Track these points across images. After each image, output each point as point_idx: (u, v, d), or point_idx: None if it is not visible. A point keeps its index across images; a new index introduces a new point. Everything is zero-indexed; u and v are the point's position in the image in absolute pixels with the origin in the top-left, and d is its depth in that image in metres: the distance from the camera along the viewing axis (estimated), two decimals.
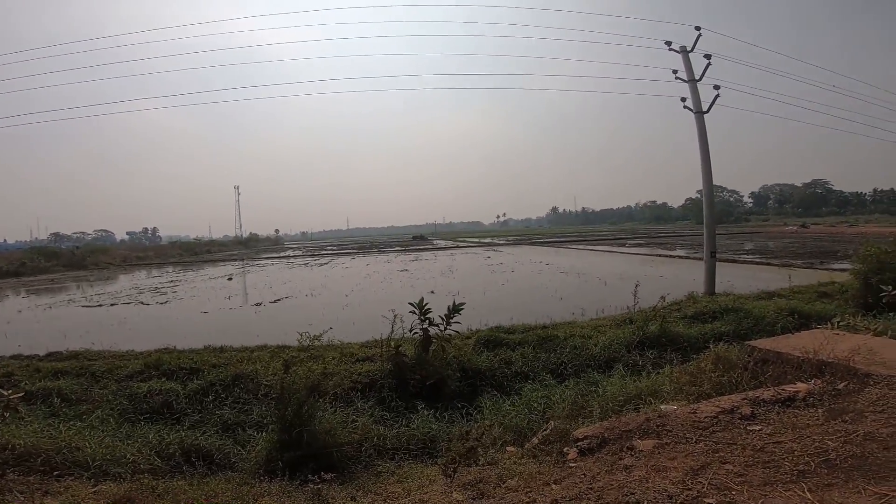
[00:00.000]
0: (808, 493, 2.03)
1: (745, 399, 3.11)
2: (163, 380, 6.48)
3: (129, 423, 5.29)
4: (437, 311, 6.54)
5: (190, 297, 19.62)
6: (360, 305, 14.82)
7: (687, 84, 14.39)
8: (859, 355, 3.59)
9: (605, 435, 2.84)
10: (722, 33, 17.78)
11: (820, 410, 2.89)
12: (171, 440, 4.51)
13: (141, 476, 3.57)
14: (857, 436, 2.47)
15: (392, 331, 6.79)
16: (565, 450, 2.86)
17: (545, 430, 3.36)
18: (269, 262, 44.16)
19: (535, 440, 3.25)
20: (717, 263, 14.06)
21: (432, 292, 15.24)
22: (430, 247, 57.64)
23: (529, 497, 2.31)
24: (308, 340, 5.10)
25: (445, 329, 6.51)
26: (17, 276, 35.34)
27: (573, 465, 2.62)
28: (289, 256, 51.38)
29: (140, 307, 17.05)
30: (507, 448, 3.37)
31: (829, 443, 2.44)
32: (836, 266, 18.61)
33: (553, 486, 2.38)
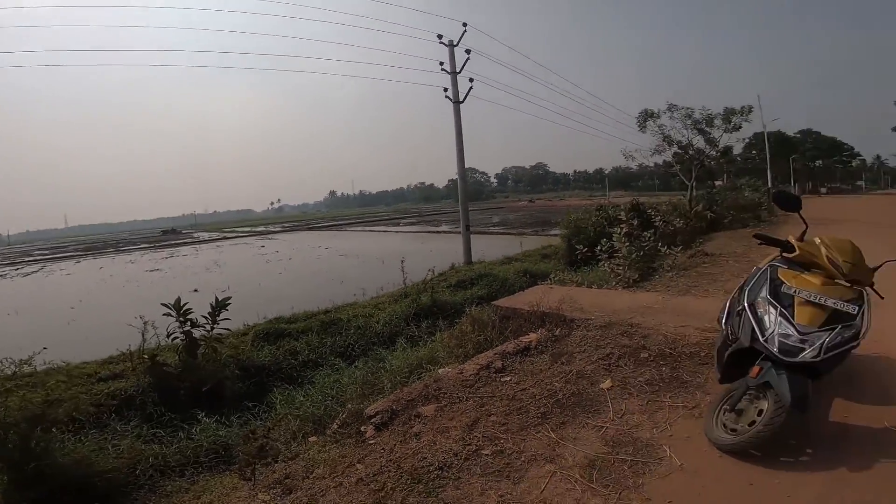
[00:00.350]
0: (551, 432, 2.67)
1: (496, 354, 3.85)
2: None
3: None
4: (204, 309, 5.94)
5: None
6: (95, 317, 12.14)
7: (449, 76, 16.04)
8: (565, 304, 4.81)
9: (394, 407, 3.14)
10: (485, 32, 20.39)
11: (546, 355, 3.76)
12: None
13: None
14: (573, 375, 3.33)
15: (144, 340, 5.99)
16: (363, 429, 3.05)
17: (342, 413, 3.49)
18: None
19: (334, 426, 3.35)
20: (472, 236, 16.44)
21: (196, 290, 13.47)
22: (190, 240, 49.99)
23: (336, 482, 2.42)
24: (14, 367, 4.37)
25: (212, 329, 5.96)
26: None
27: (372, 442, 2.84)
28: None
29: None
30: (310, 438, 3.39)
31: (556, 384, 3.23)
32: (552, 232, 23.85)
33: (357, 465, 2.54)
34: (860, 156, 67.28)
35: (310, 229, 50.44)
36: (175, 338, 5.80)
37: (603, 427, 2.67)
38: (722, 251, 9.01)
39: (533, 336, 4.15)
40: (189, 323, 5.76)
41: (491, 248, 18.17)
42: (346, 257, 21.56)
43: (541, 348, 3.91)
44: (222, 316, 6.02)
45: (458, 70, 16.06)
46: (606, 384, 3.17)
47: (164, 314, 5.72)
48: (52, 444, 3.72)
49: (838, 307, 2.29)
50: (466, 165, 17.28)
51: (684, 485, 2.14)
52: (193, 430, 4.60)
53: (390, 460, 2.52)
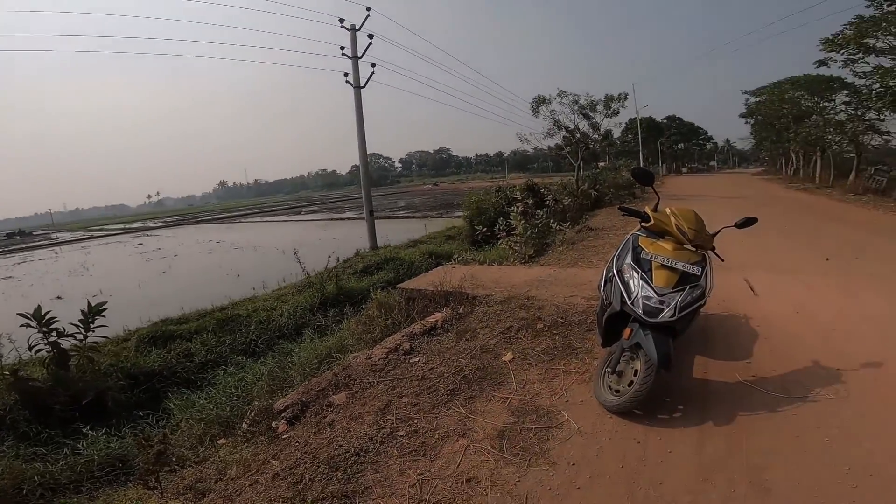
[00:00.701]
0: (461, 407, 2.78)
1: (403, 336, 3.94)
2: None
3: None
4: (72, 318, 5.37)
5: None
6: None
7: (351, 60, 15.49)
8: (467, 282, 5.04)
9: (304, 399, 3.10)
10: (390, 18, 19.76)
11: (452, 334, 3.88)
12: None
13: None
14: (477, 350, 3.48)
15: (0, 357, 5.30)
16: (274, 424, 2.98)
17: (250, 411, 3.36)
18: None
19: (244, 425, 3.22)
20: (377, 221, 16.31)
21: (59, 298, 11.89)
22: (46, 242, 43.02)
23: (252, 479, 2.36)
24: None
25: (86, 337, 5.36)
26: None
27: (285, 436, 2.78)
28: None
29: None
30: (219, 441, 3.22)
31: (463, 360, 3.36)
32: (456, 214, 24.46)
33: (272, 461, 2.49)
34: (713, 139, 77.69)
35: (198, 223, 46.21)
36: (39, 350, 5.26)
37: (508, 398, 2.82)
38: (604, 226, 9.97)
39: (438, 315, 4.29)
40: (55, 333, 5.23)
41: (396, 232, 18.19)
42: (242, 250, 20.21)
43: (446, 327, 4.04)
44: (98, 322, 5.45)
45: (359, 55, 15.63)
46: (508, 357, 3.33)
47: (21, 325, 5.10)
48: None
49: (686, 269, 2.60)
50: (370, 151, 17.11)
51: (583, 446, 2.33)
52: (80, 445, 4.14)
53: (306, 452, 2.50)
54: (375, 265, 10.67)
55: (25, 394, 4.94)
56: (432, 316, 4.35)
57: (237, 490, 2.30)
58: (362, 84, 15.80)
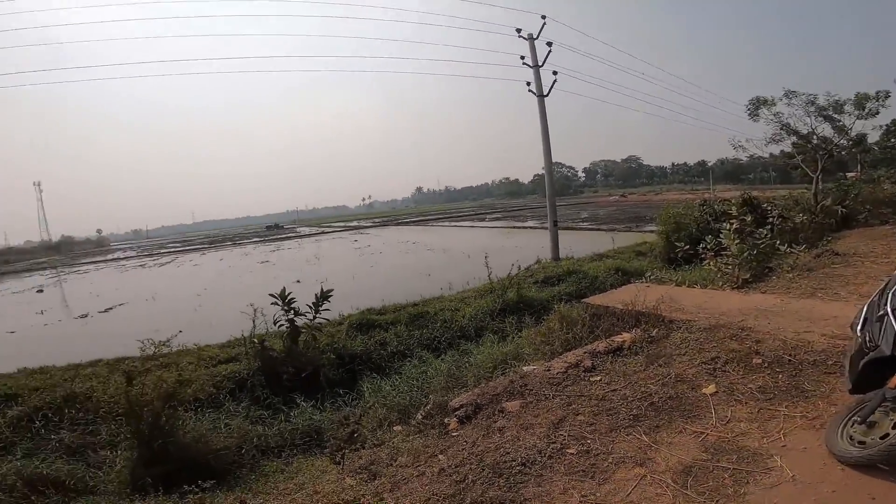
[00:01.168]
0: (643, 435, 2.52)
1: (585, 352, 3.68)
2: None
3: None
4: (306, 299, 6.34)
5: None
6: (217, 304, 13.58)
7: (531, 70, 15.72)
8: (664, 304, 4.48)
9: (479, 401, 3.13)
10: (565, 23, 19.75)
11: (641, 357, 3.53)
12: (6, 471, 3.82)
13: None
14: (671, 378, 3.10)
15: (254, 326, 6.48)
16: (446, 420, 3.08)
17: (426, 404, 3.55)
18: (92, 266, 37.37)
19: (418, 416, 3.43)
20: (559, 231, 15.93)
21: (298, 282, 14.59)
22: (293, 235, 54.58)
23: (419, 470, 2.47)
24: (154, 348, 4.62)
25: (315, 318, 6.35)
26: None
27: (455, 434, 2.85)
28: (118, 259, 44.07)
29: None
30: (395, 427, 3.49)
31: (652, 387, 3.03)
32: (647, 228, 22.36)
33: (440, 456, 2.57)
34: None
35: (398, 224, 52.42)
36: (280, 325, 6.21)
37: (703, 433, 2.51)
38: (856, 251, 7.80)
39: (626, 336, 3.91)
40: (293, 311, 6.14)
41: (579, 244, 17.48)
42: (433, 252, 22.04)
43: (635, 349, 3.69)
44: (324, 306, 6.35)
45: (540, 63, 15.62)
46: (709, 389, 2.95)
47: (272, 303, 6.17)
48: (177, 423, 3.99)
49: None
50: (553, 160, 16.82)
51: (795, 496, 1.96)
52: (292, 414, 4.92)
53: (472, 453, 2.51)
54: (557, 276, 10.37)
55: (266, 361, 5.91)
56: (619, 335, 3.98)
57: (404, 478, 2.42)
58: (545, 93, 15.67)
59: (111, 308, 14.95)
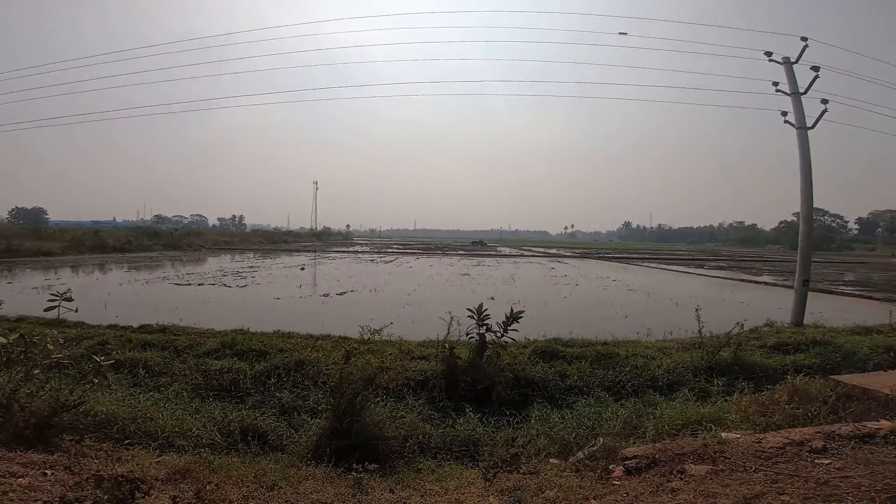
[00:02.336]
0: None
1: (818, 432, 2.87)
2: (234, 359, 6.86)
3: (199, 398, 5.61)
4: (496, 317, 6.54)
5: (266, 282, 20.95)
6: (421, 305, 15.05)
7: (789, 97, 13.26)
8: None
9: (657, 456, 2.71)
10: (827, 42, 16.22)
11: None
12: (233, 418, 4.77)
13: (201, 450, 3.81)
14: None
15: (448, 332, 6.83)
16: (611, 467, 2.77)
17: (593, 445, 3.26)
18: (338, 255, 46.20)
19: (580, 454, 3.17)
20: (809, 293, 12.79)
21: (492, 298, 15.16)
22: (494, 253, 57.41)
23: None
24: (369, 334, 5.21)
25: (502, 336, 6.49)
26: (122, 251, 39.55)
27: (617, 482, 2.53)
28: (357, 251, 53.44)
29: (223, 289, 18.45)
30: (551, 460, 3.31)
31: None
32: None
33: (592, 501, 2.32)
34: None
35: (600, 258, 49.96)
36: (471, 337, 6.60)
37: None
38: None
39: (886, 424, 2.93)
40: (485, 327, 6.47)
41: (834, 311, 13.76)
42: (635, 293, 20.25)
43: (893, 440, 2.72)
44: (512, 327, 6.50)
45: (801, 90, 12.93)
46: None
47: (468, 315, 6.59)
48: (367, 405, 4.40)
49: None
50: (814, 205, 13.65)
51: None
52: (458, 421, 5.10)
53: None
54: (794, 344, 8.37)
55: (450, 367, 6.28)
56: (875, 422, 2.99)
57: None
58: (808, 125, 12.84)
59: (344, 293, 18.03)
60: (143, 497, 2.30)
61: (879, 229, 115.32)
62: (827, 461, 2.57)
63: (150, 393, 5.40)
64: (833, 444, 2.78)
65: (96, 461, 3.15)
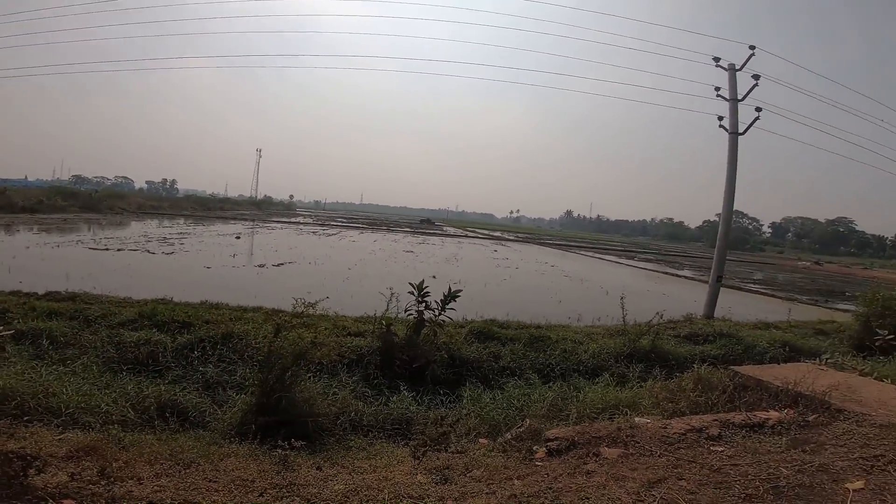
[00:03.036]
0: None
1: (716, 420, 3.16)
2: (153, 331, 6.41)
3: (111, 372, 5.21)
4: (436, 295, 6.55)
5: (196, 250, 19.82)
6: (361, 280, 14.90)
7: (727, 103, 14.14)
8: (837, 391, 3.64)
9: (576, 438, 2.88)
10: (771, 52, 17.40)
11: (784, 439, 2.98)
12: (149, 393, 4.47)
13: (110, 427, 3.54)
14: (812, 466, 2.56)
15: (387, 308, 6.78)
16: (535, 448, 2.91)
17: (520, 426, 3.40)
18: (279, 225, 44.50)
19: (508, 435, 3.30)
20: (722, 289, 13.98)
21: (434, 277, 15.22)
22: (439, 232, 57.78)
23: (490, 489, 2.36)
24: (302, 307, 5.00)
25: (440, 314, 6.54)
26: (32, 212, 35.52)
27: (539, 463, 2.67)
28: (299, 223, 51.76)
29: (146, 255, 17.23)
30: (480, 440, 3.42)
31: (784, 470, 2.53)
32: (840, 306, 18.44)
33: (515, 481, 2.43)
34: None
35: (541, 244, 51.65)
36: (410, 314, 6.57)
37: None
38: None
39: (774, 414, 3.29)
40: (424, 304, 6.46)
41: (742, 306, 15.17)
42: (570, 279, 21.20)
43: (779, 430, 3.10)
44: (450, 306, 6.56)
45: (739, 97, 13.88)
46: (855, 485, 2.46)
47: (408, 291, 6.55)
48: (297, 381, 4.30)
49: None
50: (735, 207, 14.82)
51: None
52: (391, 399, 5.11)
53: (550, 488, 2.31)
54: (704, 336, 9.14)
55: (386, 344, 6.24)
56: (764, 412, 3.35)
57: (473, 492, 2.32)
58: (740, 130, 13.85)
59: (282, 264, 17.45)
60: (38, 474, 2.14)
61: (789, 234, 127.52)
62: (721, 448, 2.84)
63: (55, 366, 4.92)
64: (727, 432, 3.06)
65: None
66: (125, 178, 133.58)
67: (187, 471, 2.74)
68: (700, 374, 4.34)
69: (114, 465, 2.53)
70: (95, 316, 7.00)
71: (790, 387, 3.65)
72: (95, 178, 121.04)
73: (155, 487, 2.39)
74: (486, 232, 71.08)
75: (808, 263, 61.89)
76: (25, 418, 3.60)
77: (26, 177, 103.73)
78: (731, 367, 4.49)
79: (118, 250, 17.88)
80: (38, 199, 39.83)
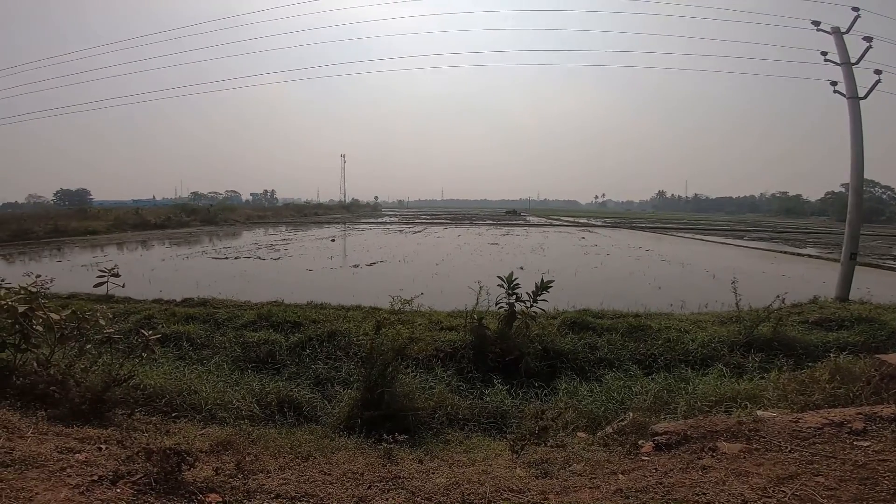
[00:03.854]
0: None
1: (859, 413, 2.76)
2: (270, 331, 7.06)
3: (239, 370, 5.82)
4: (525, 287, 6.49)
5: (298, 254, 21.47)
6: (450, 275, 15.14)
7: (839, 67, 12.39)
8: None
9: (688, 433, 2.68)
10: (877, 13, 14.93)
11: None
12: (270, 389, 4.93)
13: (241, 422, 3.96)
14: None
15: (477, 302, 6.82)
16: (640, 442, 2.75)
17: (622, 420, 3.25)
18: (367, 226, 46.77)
19: (608, 429, 3.16)
20: (857, 267, 12.16)
21: (521, 268, 15.07)
22: (523, 223, 56.89)
23: (594, 483, 2.27)
24: (399, 304, 5.18)
25: (531, 306, 6.46)
26: (162, 228, 41.05)
27: (646, 458, 2.52)
28: (385, 223, 53.94)
29: (258, 261, 19.02)
30: (578, 433, 3.32)
31: None
32: None
33: (620, 475, 2.32)
34: None
35: (632, 228, 48.67)
36: (500, 307, 6.59)
37: None
38: None
39: None
40: (514, 296, 6.44)
41: (883, 286, 13.06)
42: (669, 263, 19.73)
43: None
44: (542, 297, 6.46)
45: (853, 60, 12.06)
46: None
47: (498, 285, 6.56)
48: (398, 375, 4.45)
49: None
50: (865, 176, 12.84)
51: None
52: (486, 392, 5.14)
53: (660, 483, 2.16)
54: (838, 321, 8.02)
55: (479, 338, 6.31)
56: None
57: (575, 486, 2.24)
58: (862, 95, 11.97)
59: (374, 263, 18.31)
60: (189, 469, 2.40)
61: None
62: (866, 443, 2.47)
63: (194, 366, 5.61)
64: (874, 427, 2.67)
65: (146, 435, 3.29)
66: (233, 191, 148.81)
67: (306, 464, 2.97)
68: (838, 363, 3.88)
69: (246, 458, 2.79)
70: (223, 319, 7.83)
71: None
72: (210, 193, 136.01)
73: (280, 481, 2.60)
74: (570, 219, 68.59)
75: None
76: (174, 414, 4.15)
77: (154, 197, 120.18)
78: (876, 356, 3.89)
79: (235, 258, 19.95)
80: (165, 216, 45.85)
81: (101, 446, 2.79)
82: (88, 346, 3.98)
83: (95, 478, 2.28)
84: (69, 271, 15.76)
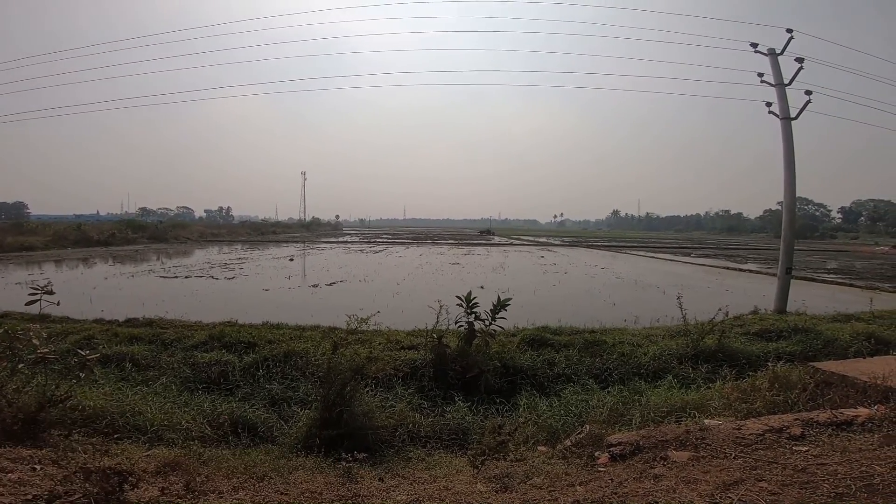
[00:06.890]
0: None
1: (797, 419, 2.95)
2: (223, 352, 6.81)
3: (188, 391, 5.59)
4: (485, 305, 6.55)
5: (254, 274, 20.80)
6: (410, 294, 15.07)
7: (774, 88, 13.44)
8: None
9: (641, 443, 2.77)
10: (812, 35, 16.44)
11: (876, 436, 2.76)
12: (223, 410, 4.76)
13: (191, 443, 3.81)
14: None
15: (437, 321, 6.82)
16: (596, 454, 2.82)
17: (580, 433, 3.32)
18: (328, 245, 46.02)
19: (567, 442, 3.22)
20: (793, 281, 13.05)
21: (482, 287, 15.19)
22: (483, 242, 57.61)
23: (552, 496, 2.31)
24: (356, 324, 5.17)
25: (490, 324, 6.52)
26: (106, 245, 38.72)
27: (602, 469, 2.59)
28: (346, 242, 53.29)
29: (210, 281, 18.27)
30: (539, 447, 3.36)
31: (877, 468, 2.35)
32: None
33: (578, 487, 2.37)
34: None
35: (588, 247, 50.35)
36: (460, 325, 6.62)
37: None
38: None
39: (863, 411, 3.03)
40: (473, 315, 6.49)
41: (817, 298, 14.07)
42: (622, 281, 20.48)
43: (870, 427, 2.86)
44: (500, 314, 6.54)
45: (785, 82, 13.16)
46: None
47: (457, 304, 6.59)
48: (356, 395, 4.43)
49: None
50: (798, 194, 13.90)
51: None
52: (447, 409, 5.14)
53: (615, 493, 2.23)
54: (777, 331, 8.56)
55: (439, 356, 6.30)
56: (852, 409, 3.09)
57: (535, 499, 2.27)
58: (792, 115, 13.06)
59: (334, 283, 17.96)
60: (132, 489, 2.29)
61: (862, 218, 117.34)
62: (805, 448, 2.65)
63: (139, 387, 5.36)
64: (811, 432, 2.86)
65: (84, 455, 3.11)
66: (186, 208, 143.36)
67: (261, 484, 2.87)
68: (776, 371, 4.14)
69: (197, 479, 2.69)
70: (171, 339, 7.50)
71: (879, 381, 3.37)
72: (160, 209, 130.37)
73: (234, 501, 2.51)
74: (531, 238, 70.25)
75: (887, 248, 56.53)
76: (116, 436, 3.93)
77: (97, 212, 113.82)
78: (811, 363, 4.19)
79: (186, 277, 19.08)
80: (110, 232, 43.29)
81: (36, 466, 2.64)
82: (21, 366, 3.75)
83: (30, 497, 2.17)
84: (2, 289, 14.77)
